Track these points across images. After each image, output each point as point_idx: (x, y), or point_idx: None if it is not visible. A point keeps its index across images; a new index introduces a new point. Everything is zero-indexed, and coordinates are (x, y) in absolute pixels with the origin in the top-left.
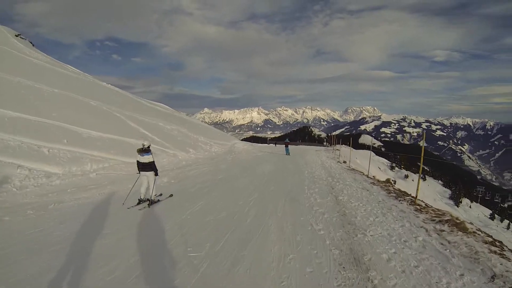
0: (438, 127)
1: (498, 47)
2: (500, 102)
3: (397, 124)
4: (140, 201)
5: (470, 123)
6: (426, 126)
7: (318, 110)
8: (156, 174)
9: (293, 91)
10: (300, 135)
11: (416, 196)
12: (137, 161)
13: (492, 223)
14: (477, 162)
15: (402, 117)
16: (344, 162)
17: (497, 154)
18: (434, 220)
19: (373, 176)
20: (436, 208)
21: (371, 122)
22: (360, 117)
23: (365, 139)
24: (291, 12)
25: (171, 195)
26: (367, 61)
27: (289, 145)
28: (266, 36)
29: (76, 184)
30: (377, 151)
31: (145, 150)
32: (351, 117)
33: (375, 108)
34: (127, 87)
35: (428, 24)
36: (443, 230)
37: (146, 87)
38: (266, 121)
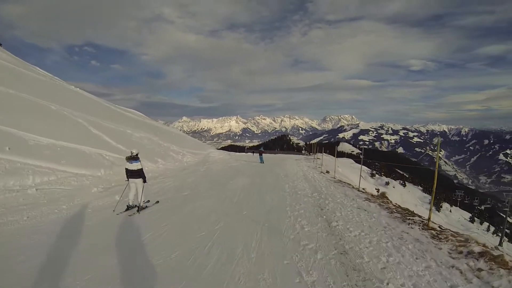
0: (415, 134)
1: (471, 57)
2: (474, 109)
3: (375, 132)
4: (129, 207)
5: (446, 130)
6: (403, 133)
7: (296, 119)
8: (144, 181)
9: (272, 100)
10: (279, 143)
11: (429, 219)
12: (126, 169)
13: (473, 226)
14: (453, 167)
15: (380, 125)
16: (327, 172)
17: (472, 159)
18: (461, 252)
19: (363, 189)
20: (454, 232)
21: (349, 130)
22: (338, 125)
23: (344, 147)
24: (270, 21)
25: (157, 202)
26: (345, 70)
27: (265, 154)
28: (245, 45)
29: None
30: (356, 159)
31: (133, 158)
32: (329, 126)
33: (353, 117)
34: (106, 94)
35: (405, 34)
36: (481, 269)
37: (125, 94)
38: (245, 130)
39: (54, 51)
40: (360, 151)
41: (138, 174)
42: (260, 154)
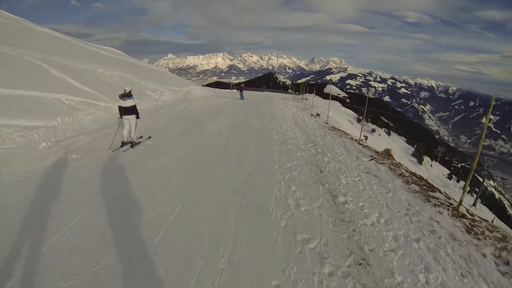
0: (403, 85)
1: (470, 18)
2: (464, 69)
3: (363, 78)
4: (123, 144)
5: (434, 85)
6: (391, 82)
7: (284, 58)
8: (137, 117)
9: (260, 38)
10: (265, 81)
11: (461, 202)
12: (119, 106)
13: (450, 183)
14: (436, 123)
15: (368, 71)
16: (318, 115)
17: (456, 118)
18: (508, 263)
19: (362, 141)
20: (489, 225)
21: (337, 73)
22: (326, 67)
23: (331, 89)
24: None
25: (150, 137)
26: (338, 14)
27: (251, 91)
28: None
29: None
30: (343, 103)
31: (127, 95)
32: (317, 67)
33: (342, 60)
34: (88, 34)
35: None
36: None
37: (108, 33)
38: (231, 67)
39: None
40: (347, 95)
41: (131, 110)
42: (241, 91)
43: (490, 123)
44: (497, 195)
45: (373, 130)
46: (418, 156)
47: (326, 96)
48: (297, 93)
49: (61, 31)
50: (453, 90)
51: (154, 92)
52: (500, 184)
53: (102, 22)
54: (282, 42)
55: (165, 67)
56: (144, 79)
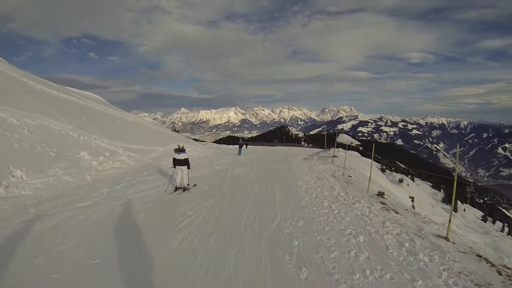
0: (414, 126)
1: (471, 51)
2: (472, 102)
3: (374, 124)
4: (177, 188)
5: (445, 122)
6: (402, 125)
7: (295, 110)
8: (188, 168)
9: (270, 91)
10: (277, 134)
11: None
12: (174, 158)
13: (488, 226)
14: (452, 160)
15: (378, 117)
16: (381, 195)
17: (471, 152)
18: None
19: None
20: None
21: (348, 121)
22: (337, 117)
23: (343, 138)
24: (269, 12)
25: (195, 185)
26: (344, 62)
27: (247, 146)
28: (244, 36)
29: None
30: (356, 150)
31: (181, 150)
32: (328, 117)
33: (352, 108)
34: (104, 86)
35: (405, 27)
36: None
37: (123, 87)
38: (243, 121)
39: (51, 43)
40: (360, 143)
41: (184, 162)
42: (240, 146)
43: (507, 152)
44: None
45: (401, 180)
46: (449, 202)
47: (338, 146)
48: (326, 149)
49: (80, 81)
50: (464, 124)
51: (97, 154)
52: None
53: (117, 75)
54: (292, 94)
55: (178, 121)
56: (91, 131)
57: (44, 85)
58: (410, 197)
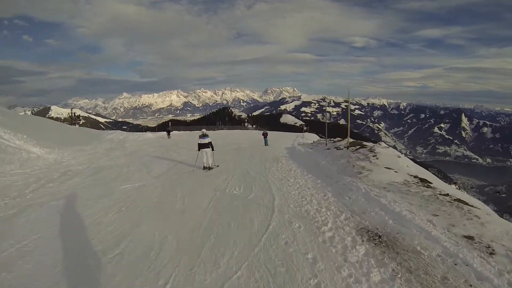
0: (357, 106)
1: (411, 38)
2: (411, 85)
3: (317, 104)
4: (205, 168)
5: (386, 104)
6: (345, 106)
7: (238, 91)
8: (212, 150)
9: (213, 73)
10: (220, 116)
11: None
12: (199, 143)
13: None
14: (392, 138)
15: (322, 97)
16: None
17: (410, 131)
18: None
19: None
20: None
21: (291, 102)
22: (280, 98)
23: (287, 118)
24: None
25: (217, 165)
26: (288, 44)
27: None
28: (187, 17)
29: None
30: (299, 130)
31: (204, 135)
32: (270, 98)
33: (295, 89)
34: (41, 72)
35: (349, 12)
36: None
37: (62, 72)
38: (186, 104)
39: None
40: (303, 123)
41: (207, 145)
42: (265, 136)
43: (442, 131)
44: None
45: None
46: None
47: (282, 127)
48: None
49: (13, 67)
50: (403, 105)
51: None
52: (461, 186)
53: (55, 59)
54: (235, 76)
55: (121, 107)
56: None
57: None
58: None
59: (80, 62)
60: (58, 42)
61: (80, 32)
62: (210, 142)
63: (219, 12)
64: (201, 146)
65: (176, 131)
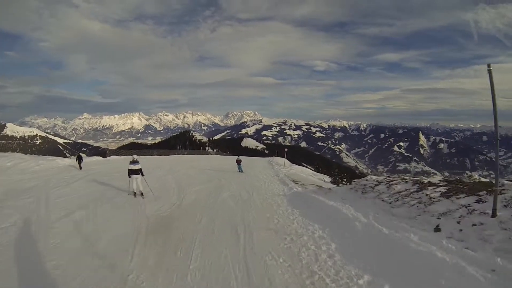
0: (318, 129)
1: (370, 62)
2: (371, 107)
3: (278, 127)
4: (135, 194)
5: (346, 125)
6: (306, 128)
7: (199, 115)
8: (142, 175)
9: (175, 96)
10: (181, 140)
11: None
12: (129, 169)
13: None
14: (354, 159)
15: (283, 121)
16: None
17: (370, 151)
18: None
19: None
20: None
21: (252, 125)
22: (241, 121)
23: (248, 142)
24: (180, 15)
25: (152, 192)
26: (250, 68)
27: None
28: (152, 38)
29: None
30: (261, 154)
31: (135, 161)
32: (232, 122)
33: (256, 113)
34: None
35: (311, 37)
36: None
37: (20, 87)
38: (147, 127)
39: None
40: (265, 146)
41: (137, 172)
42: (239, 164)
43: (402, 149)
44: None
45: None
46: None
47: (243, 150)
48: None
49: None
50: (364, 126)
51: None
52: None
53: (13, 73)
54: (197, 99)
55: (81, 128)
56: None
57: None
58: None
59: (41, 78)
60: (18, 54)
61: (42, 46)
62: (140, 168)
63: (183, 34)
64: (131, 172)
65: (116, 156)
